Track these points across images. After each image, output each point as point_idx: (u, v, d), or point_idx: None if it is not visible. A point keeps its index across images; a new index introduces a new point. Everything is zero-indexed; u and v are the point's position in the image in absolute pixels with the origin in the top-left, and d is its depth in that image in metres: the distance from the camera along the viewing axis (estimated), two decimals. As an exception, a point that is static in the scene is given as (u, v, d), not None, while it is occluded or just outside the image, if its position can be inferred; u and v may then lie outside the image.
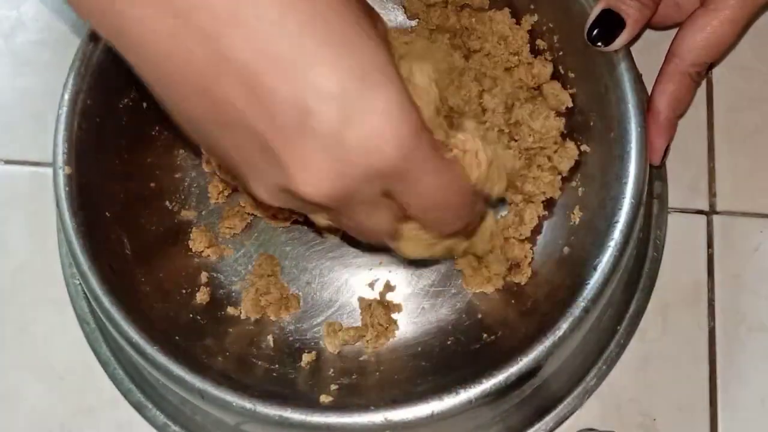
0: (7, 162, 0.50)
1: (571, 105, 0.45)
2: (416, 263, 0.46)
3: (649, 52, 0.48)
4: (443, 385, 0.38)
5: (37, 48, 0.52)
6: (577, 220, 0.44)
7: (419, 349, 0.44)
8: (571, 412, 0.45)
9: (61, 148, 0.42)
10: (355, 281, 0.46)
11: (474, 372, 0.38)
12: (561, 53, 0.46)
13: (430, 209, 0.32)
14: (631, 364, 0.45)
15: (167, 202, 0.47)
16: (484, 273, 0.44)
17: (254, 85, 0.27)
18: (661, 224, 0.47)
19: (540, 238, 0.45)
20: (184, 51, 0.27)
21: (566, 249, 0.43)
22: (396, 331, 0.45)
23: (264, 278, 0.45)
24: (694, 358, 0.46)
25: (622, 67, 0.42)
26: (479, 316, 0.44)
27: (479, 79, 0.46)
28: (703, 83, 0.50)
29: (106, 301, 0.40)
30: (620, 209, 0.40)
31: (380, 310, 0.44)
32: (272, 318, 0.45)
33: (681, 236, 0.47)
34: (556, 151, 0.45)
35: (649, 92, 0.45)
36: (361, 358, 0.44)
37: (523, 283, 0.44)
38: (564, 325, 0.38)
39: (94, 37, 0.43)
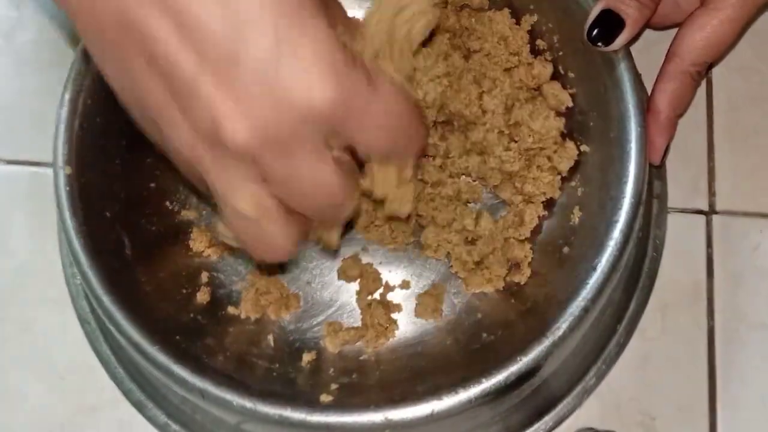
0: (7, 162, 0.50)
1: (571, 105, 0.45)
2: (417, 262, 0.46)
3: (649, 52, 0.48)
4: (443, 385, 0.38)
5: (37, 48, 0.52)
6: (577, 220, 0.44)
7: (419, 349, 0.44)
8: (571, 412, 0.45)
9: (61, 148, 0.42)
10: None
11: (474, 372, 0.38)
12: (561, 53, 0.46)
13: (383, 138, 0.30)
14: (631, 363, 0.45)
15: (167, 202, 0.47)
16: (485, 274, 0.44)
17: (181, 16, 0.26)
18: (660, 224, 0.47)
19: (540, 238, 0.45)
20: None
21: (566, 249, 0.43)
22: (396, 331, 0.45)
23: (264, 278, 0.45)
24: (693, 357, 0.46)
25: (622, 67, 0.42)
26: (479, 316, 0.44)
27: (478, 80, 0.46)
28: (703, 83, 0.50)
29: (106, 301, 0.40)
30: (620, 209, 0.40)
31: (380, 310, 0.44)
32: (272, 317, 0.45)
33: (680, 236, 0.47)
34: (555, 151, 0.45)
35: (649, 92, 0.45)
36: (361, 358, 0.44)
37: (522, 283, 0.44)
38: (564, 325, 0.38)
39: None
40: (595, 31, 0.41)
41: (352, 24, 0.33)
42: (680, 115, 0.45)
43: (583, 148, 0.45)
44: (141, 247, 0.44)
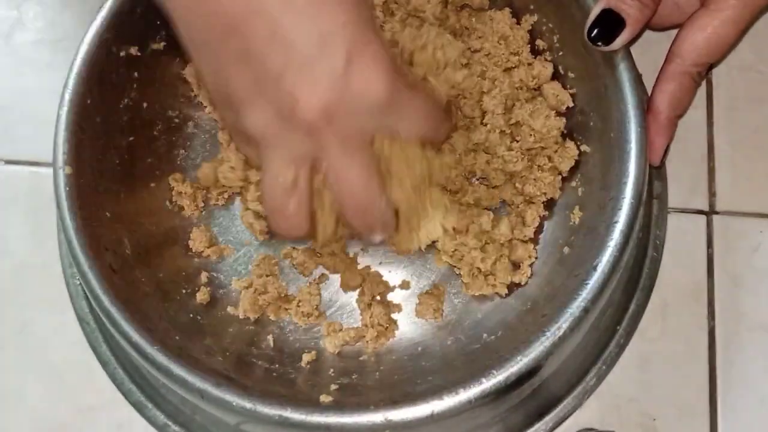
0: (7, 162, 0.50)
1: (571, 105, 0.45)
2: (417, 262, 0.46)
3: (649, 52, 0.48)
4: (443, 385, 0.38)
5: (37, 48, 0.52)
6: (577, 220, 0.44)
7: (419, 349, 0.44)
8: (571, 412, 0.45)
9: (61, 148, 0.42)
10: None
11: (474, 372, 0.38)
12: (561, 53, 0.46)
13: (421, 125, 0.39)
14: (631, 364, 0.45)
15: (167, 202, 0.47)
16: (489, 280, 0.44)
17: (274, 24, 0.34)
18: (660, 224, 0.47)
19: (540, 239, 0.45)
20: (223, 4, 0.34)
21: (566, 249, 0.43)
22: (396, 331, 0.45)
23: (263, 278, 0.45)
24: (693, 357, 0.46)
25: (622, 67, 0.42)
26: (479, 316, 0.44)
27: (478, 81, 0.46)
28: (703, 83, 0.50)
29: (106, 301, 0.40)
30: (620, 209, 0.40)
31: (380, 310, 0.44)
32: (272, 318, 0.45)
33: (681, 236, 0.47)
34: (556, 151, 0.45)
35: (649, 92, 0.45)
36: (361, 358, 0.44)
37: (523, 283, 0.44)
38: (564, 325, 0.38)
39: (95, 38, 0.43)
40: (596, 31, 0.41)
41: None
42: (680, 116, 0.45)
43: (584, 148, 0.45)
44: (140, 247, 0.44)
